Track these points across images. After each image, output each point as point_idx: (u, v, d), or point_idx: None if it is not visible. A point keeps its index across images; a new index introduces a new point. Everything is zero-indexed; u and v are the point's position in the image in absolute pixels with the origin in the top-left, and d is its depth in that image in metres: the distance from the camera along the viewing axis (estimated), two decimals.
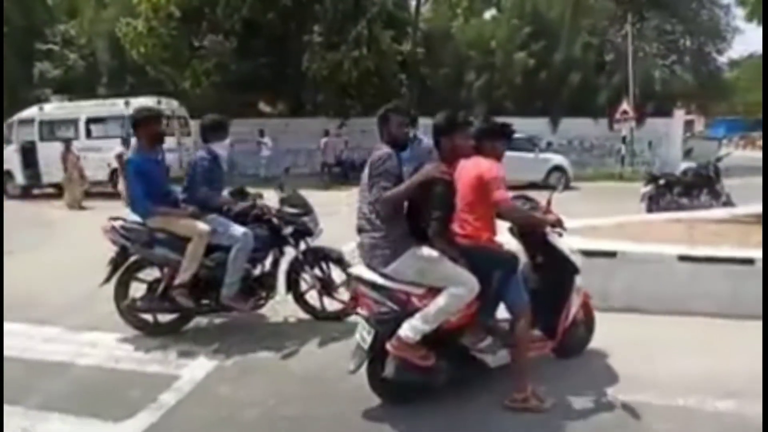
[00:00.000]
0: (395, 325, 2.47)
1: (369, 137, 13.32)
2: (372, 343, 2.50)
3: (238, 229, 3.45)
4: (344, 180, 13.50)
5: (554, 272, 2.92)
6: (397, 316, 2.48)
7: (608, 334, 3.24)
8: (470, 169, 2.59)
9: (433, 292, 2.47)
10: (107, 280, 3.54)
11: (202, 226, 3.40)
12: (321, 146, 14.68)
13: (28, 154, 12.74)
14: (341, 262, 3.80)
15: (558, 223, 2.82)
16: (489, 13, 21.61)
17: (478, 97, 17.76)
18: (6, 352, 3.39)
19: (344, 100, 15.63)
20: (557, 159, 13.13)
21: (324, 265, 3.87)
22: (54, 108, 13.25)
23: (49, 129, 12.73)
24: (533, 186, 11.65)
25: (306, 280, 3.85)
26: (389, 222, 2.52)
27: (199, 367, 3.15)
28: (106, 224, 3.52)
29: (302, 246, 3.79)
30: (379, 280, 2.51)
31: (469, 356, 2.63)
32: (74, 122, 12.48)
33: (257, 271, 3.75)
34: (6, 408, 2.69)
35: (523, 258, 2.93)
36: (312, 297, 3.88)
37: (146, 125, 3.62)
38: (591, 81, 18.37)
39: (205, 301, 3.62)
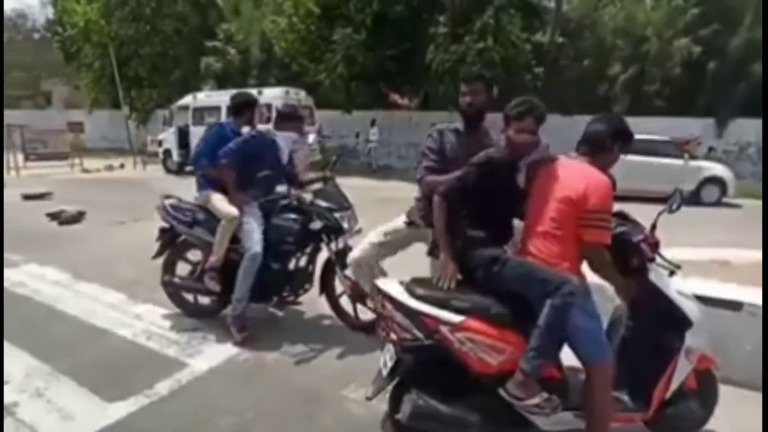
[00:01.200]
0: (420, 357, 2.04)
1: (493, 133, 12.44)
2: (392, 371, 2.09)
3: (255, 239, 3.28)
4: None
5: (655, 322, 2.19)
6: (422, 346, 2.01)
7: (719, 415, 2.35)
8: (571, 177, 2.00)
9: (472, 321, 1.96)
10: (157, 255, 3.69)
11: (231, 209, 3.33)
12: None
13: (183, 136, 14.75)
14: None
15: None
16: None
17: (623, 92, 15.43)
18: (72, 311, 3.79)
19: None
20: (714, 168, 10.60)
21: None
22: (204, 96, 15.10)
23: (200, 114, 14.54)
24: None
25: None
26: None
27: (209, 358, 3.07)
28: (158, 202, 3.66)
29: (338, 245, 3.50)
30: (408, 301, 2.04)
31: (513, 413, 2.02)
32: (218, 109, 14.02)
33: (291, 266, 3.58)
34: (39, 364, 2.94)
35: (614, 297, 2.28)
36: (346, 302, 3.57)
37: (246, 109, 3.71)
38: None
39: None
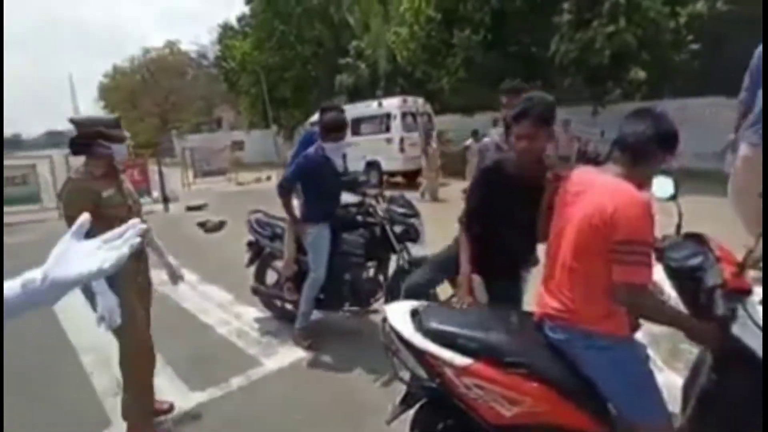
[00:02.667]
0: (428, 394, 1.86)
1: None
2: (403, 400, 1.97)
3: (319, 261, 3.49)
4: None
5: (748, 384, 1.61)
6: (423, 387, 1.84)
7: None
8: (597, 195, 1.58)
9: (481, 367, 1.68)
10: (248, 265, 4.19)
11: (293, 212, 3.61)
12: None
13: None
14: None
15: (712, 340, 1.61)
16: None
17: None
18: (191, 308, 4.50)
19: (596, 84, 13.49)
20: None
21: None
22: None
23: None
24: None
25: None
26: None
27: (281, 359, 3.40)
28: (248, 216, 4.16)
29: (410, 254, 3.57)
30: (413, 337, 1.78)
31: None
32: None
33: (362, 276, 3.74)
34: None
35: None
36: None
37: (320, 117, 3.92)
38: None
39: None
